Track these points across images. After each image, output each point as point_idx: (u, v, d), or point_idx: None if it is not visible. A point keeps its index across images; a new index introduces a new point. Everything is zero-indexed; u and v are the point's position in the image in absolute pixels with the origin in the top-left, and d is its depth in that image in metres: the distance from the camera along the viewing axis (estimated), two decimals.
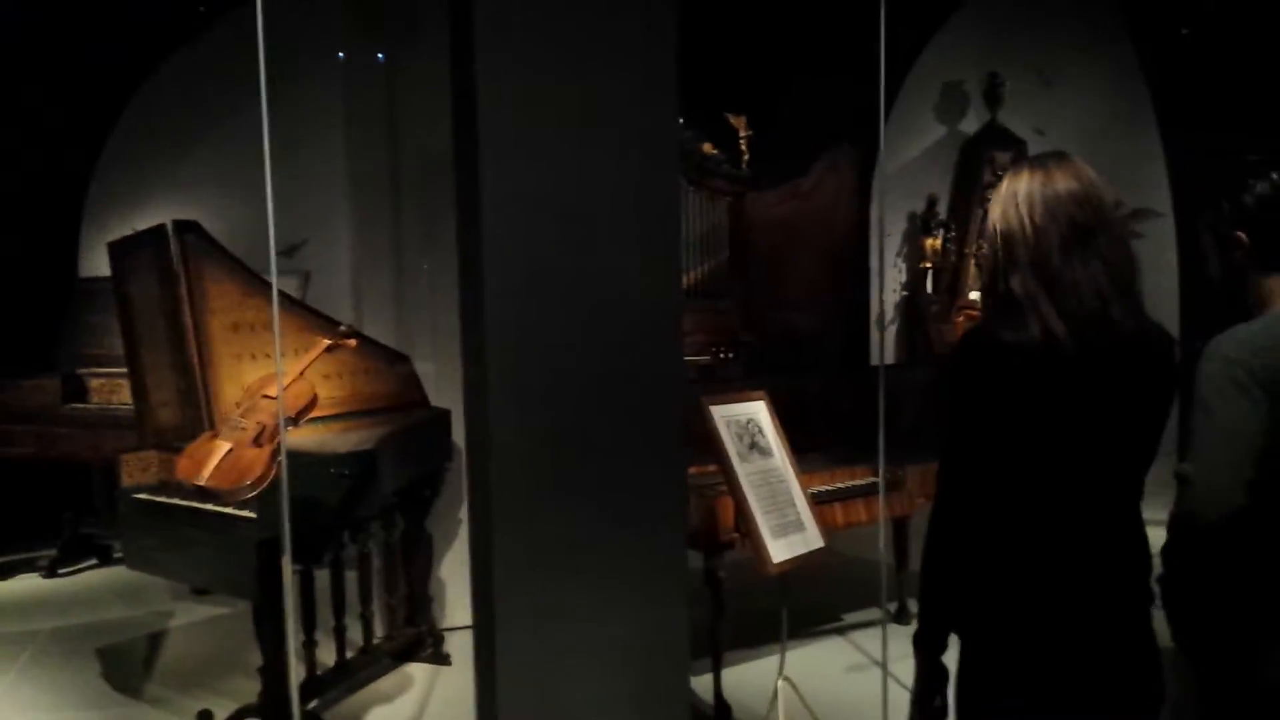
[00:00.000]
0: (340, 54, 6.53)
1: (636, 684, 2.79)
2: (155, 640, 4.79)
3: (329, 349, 3.35)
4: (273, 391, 3.04)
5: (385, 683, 4.21)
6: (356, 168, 5.61)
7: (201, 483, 2.69)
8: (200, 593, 5.40)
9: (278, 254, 4.13)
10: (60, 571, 5.84)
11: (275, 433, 2.90)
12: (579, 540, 2.65)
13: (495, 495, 2.56)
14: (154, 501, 3.55)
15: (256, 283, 4.05)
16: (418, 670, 4.32)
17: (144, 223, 6.98)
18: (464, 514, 4.66)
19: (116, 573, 5.87)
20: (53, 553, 5.91)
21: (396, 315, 4.78)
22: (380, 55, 5.57)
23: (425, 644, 4.41)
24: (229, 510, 3.29)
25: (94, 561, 6.03)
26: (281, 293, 4.16)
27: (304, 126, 5.87)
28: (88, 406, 5.64)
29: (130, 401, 5.51)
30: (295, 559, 3.35)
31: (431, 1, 4.66)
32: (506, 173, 2.59)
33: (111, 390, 5.66)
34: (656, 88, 2.72)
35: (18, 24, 6.14)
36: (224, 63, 6.55)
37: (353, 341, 3.39)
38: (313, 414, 4.11)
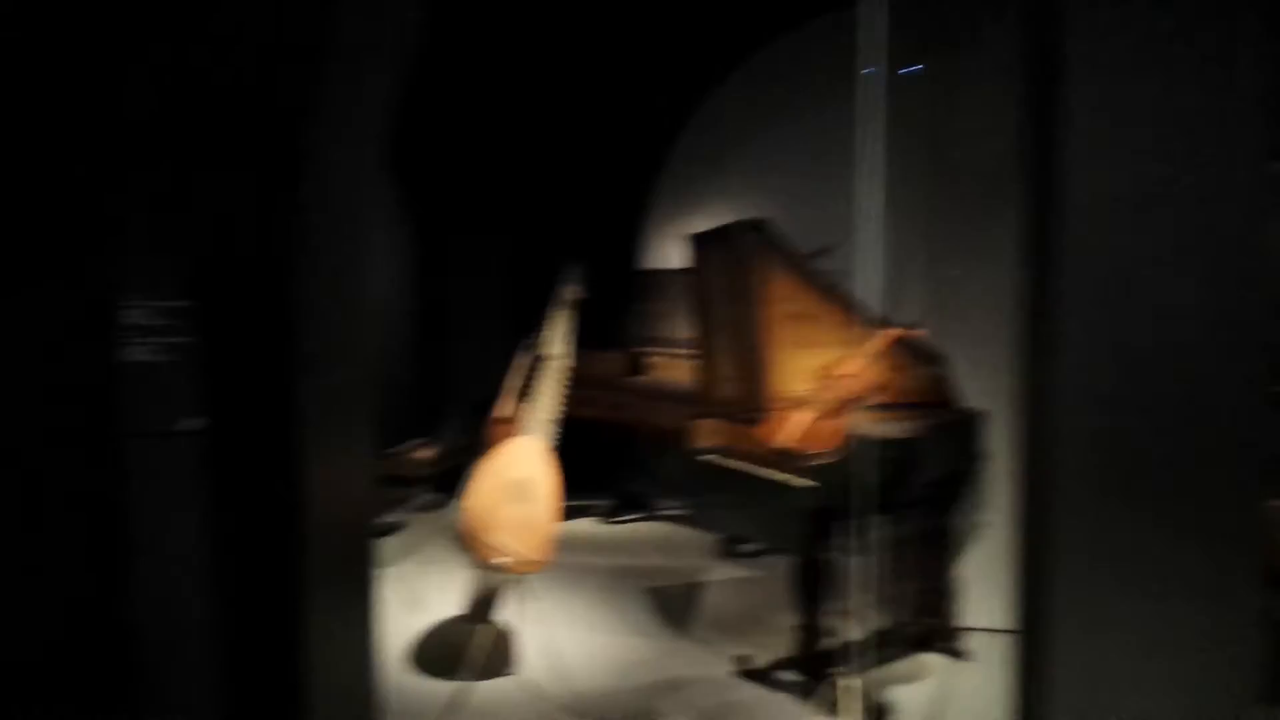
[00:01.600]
0: (868, 68, 6.86)
1: (1188, 713, 2.69)
2: (692, 590, 5.40)
3: (898, 340, 3.59)
4: (849, 372, 3.34)
5: (900, 667, 4.39)
6: (895, 174, 5.85)
7: (786, 444, 3.05)
8: (732, 555, 5.99)
9: (814, 254, 4.53)
10: (613, 520, 6.76)
11: (849, 409, 3.19)
12: (1144, 552, 2.62)
13: (1059, 498, 2.61)
14: (719, 465, 4.05)
15: (812, 277, 4.41)
16: (932, 661, 4.45)
17: (700, 223, 7.89)
18: (990, 516, 4.71)
19: (657, 527, 6.68)
20: (608, 503, 6.86)
21: (926, 316, 4.91)
22: (920, 66, 5.74)
23: (943, 636, 4.52)
24: (788, 478, 3.66)
25: (640, 514, 6.89)
26: (835, 287, 4.54)
27: (849, 134, 6.20)
28: (647, 380, 6.46)
29: (682, 378, 6.34)
30: (839, 531, 3.66)
31: (982, 16, 4.75)
32: (1091, 177, 2.62)
33: (666, 368, 6.42)
34: (1245, 97, 2.60)
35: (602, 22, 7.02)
36: (787, 73, 7.14)
37: (921, 333, 3.59)
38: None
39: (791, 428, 3.09)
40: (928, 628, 4.53)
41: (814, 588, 3.94)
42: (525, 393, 6.79)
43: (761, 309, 4.27)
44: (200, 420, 2.78)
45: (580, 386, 6.82)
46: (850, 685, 3.35)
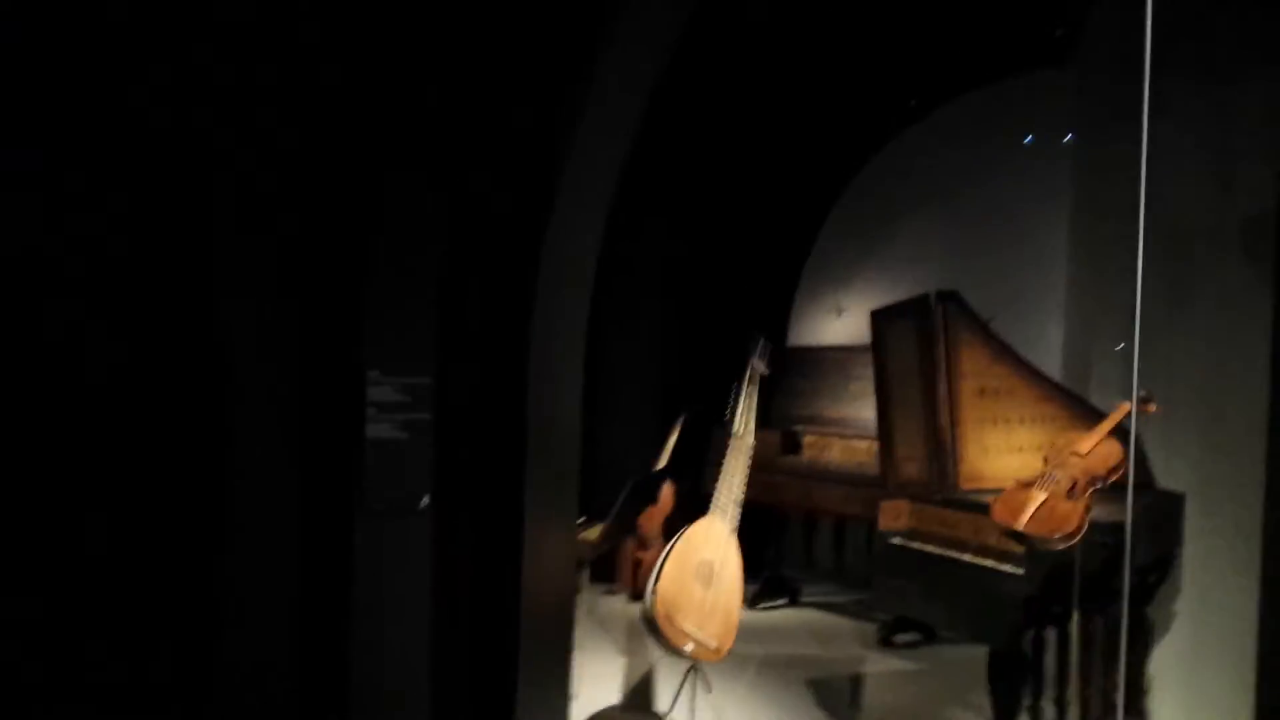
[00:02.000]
0: (1029, 138, 6.69)
1: None
2: (853, 682, 5.10)
3: (1128, 414, 3.34)
4: (1082, 449, 3.11)
5: None
6: (1076, 247, 5.62)
7: (1019, 527, 2.84)
8: (889, 645, 5.68)
9: (988, 320, 4.32)
10: (759, 606, 6.51)
11: (1086, 488, 2.96)
12: None
13: None
14: (908, 547, 3.82)
15: (1002, 351, 4.21)
16: None
17: (852, 301, 7.76)
18: (1177, 606, 4.35)
19: (804, 614, 6.40)
20: (754, 587, 6.61)
21: (1100, 390, 4.63)
22: (1071, 135, 5.59)
23: None
24: (991, 564, 3.42)
25: (785, 600, 6.62)
26: (1027, 362, 4.32)
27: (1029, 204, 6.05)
28: (799, 460, 6.26)
29: (837, 459, 6.12)
30: (1044, 622, 3.39)
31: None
32: None
33: (822, 448, 6.22)
34: None
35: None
36: (943, 147, 7.01)
37: (1152, 407, 3.35)
38: None
39: (1017, 509, 2.87)
40: None
41: (1016, 682, 3.65)
42: (708, 471, 6.74)
43: (953, 384, 4.08)
44: (429, 496, 2.72)
45: None
46: None
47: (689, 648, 3.49)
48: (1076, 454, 3.07)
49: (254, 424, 2.66)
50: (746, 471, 3.86)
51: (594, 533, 5.88)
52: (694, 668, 3.63)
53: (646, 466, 6.72)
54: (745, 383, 4.02)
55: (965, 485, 4.03)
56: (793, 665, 5.30)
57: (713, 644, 3.54)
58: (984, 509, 3.71)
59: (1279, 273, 3.85)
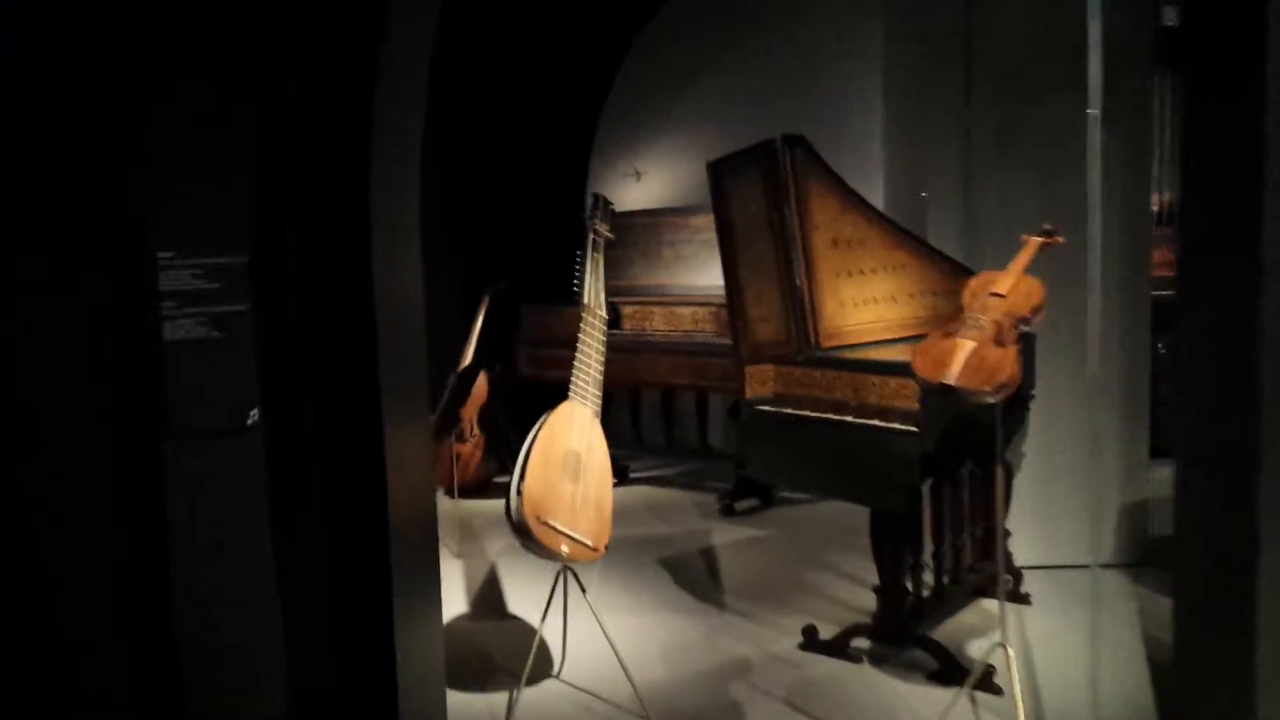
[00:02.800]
0: None
1: None
2: (707, 555, 4.92)
3: (1042, 248, 3.14)
4: (999, 289, 2.88)
5: (965, 616, 4.02)
6: (891, 88, 5.43)
7: (950, 381, 2.58)
8: (730, 513, 5.54)
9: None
10: None
11: (1013, 332, 2.73)
12: None
13: None
14: (780, 414, 3.56)
15: (853, 198, 3.96)
16: (991, 607, 4.11)
17: (649, 164, 7.36)
18: (1025, 449, 4.39)
19: (638, 491, 6.17)
20: None
21: (937, 236, 4.51)
22: None
23: (1000, 581, 4.17)
24: (878, 422, 3.21)
25: (614, 481, 6.35)
26: (875, 210, 4.09)
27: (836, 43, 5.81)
28: (620, 333, 5.91)
29: (660, 327, 5.82)
30: (934, 478, 3.23)
31: None
32: None
33: (642, 318, 5.89)
34: None
35: None
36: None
37: (1060, 239, 3.15)
38: (898, 335, 4.01)
39: (941, 360, 2.61)
40: (987, 574, 4.17)
41: (902, 543, 3.52)
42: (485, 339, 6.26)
43: (806, 236, 3.79)
44: (258, 409, 2.14)
45: (545, 346, 6.29)
46: (1000, 652, 2.94)
47: (565, 550, 3.11)
48: (996, 295, 2.84)
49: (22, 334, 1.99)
50: (603, 349, 3.45)
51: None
52: (565, 570, 3.26)
53: (456, 354, 6.20)
54: (589, 249, 3.57)
55: (826, 343, 3.80)
56: (640, 547, 5.05)
57: (589, 541, 3.18)
58: (858, 367, 3.50)
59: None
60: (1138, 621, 3.90)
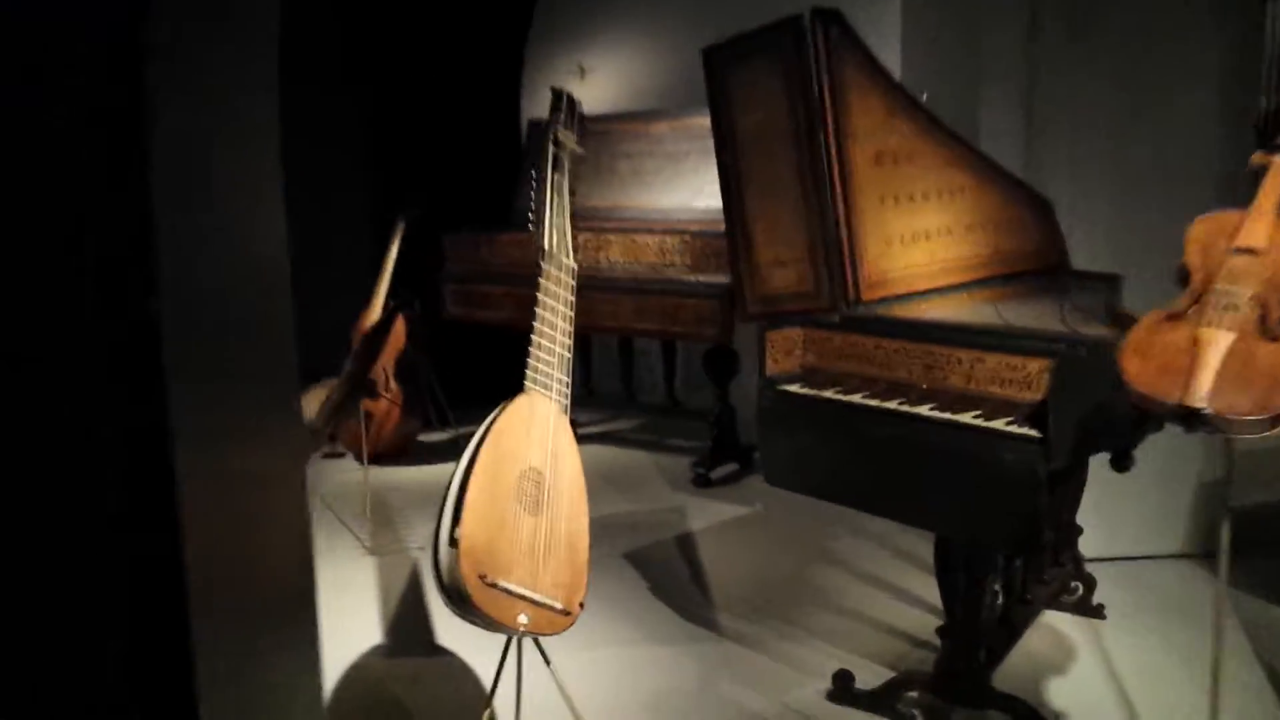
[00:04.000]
0: None
1: None
2: (684, 545, 3.96)
3: None
4: (1250, 241, 1.86)
5: (1032, 639, 3.15)
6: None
7: (1200, 404, 1.59)
8: (704, 482, 4.58)
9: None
10: None
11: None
12: None
13: None
14: (817, 399, 2.57)
15: (902, 97, 2.93)
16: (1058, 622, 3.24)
17: (593, 56, 6.17)
18: None
19: (593, 454, 5.16)
20: None
21: (1025, 143, 3.53)
22: None
23: (1071, 589, 3.29)
24: (974, 420, 2.23)
25: None
26: (924, 109, 3.06)
27: None
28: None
29: (621, 258, 4.75)
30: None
31: None
32: None
33: (596, 248, 4.82)
34: None
35: None
36: None
37: None
38: (955, 281, 3.04)
39: (1176, 366, 1.61)
40: (1060, 580, 3.29)
41: (981, 570, 2.57)
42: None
43: (843, 148, 2.76)
44: None
45: (475, 281, 5.19)
46: None
47: (524, 620, 2.10)
48: (1246, 251, 1.84)
49: None
50: (571, 313, 2.40)
51: (311, 402, 4.25)
52: (520, 638, 2.24)
53: (364, 294, 5.08)
54: (547, 169, 2.49)
55: (868, 295, 2.81)
56: (600, 535, 4.04)
57: (558, 603, 2.17)
58: (937, 334, 2.51)
59: None
60: (1244, 637, 3.05)
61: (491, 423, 2.17)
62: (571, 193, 2.52)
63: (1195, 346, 1.67)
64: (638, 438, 5.35)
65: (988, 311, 2.88)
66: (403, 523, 4.26)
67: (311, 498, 4.54)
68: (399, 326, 5.02)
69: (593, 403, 5.57)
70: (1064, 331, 2.39)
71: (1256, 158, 2.05)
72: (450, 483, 2.11)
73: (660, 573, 3.71)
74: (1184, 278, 1.95)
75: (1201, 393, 1.61)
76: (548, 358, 2.29)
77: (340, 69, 5.59)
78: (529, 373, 2.26)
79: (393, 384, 4.99)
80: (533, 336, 2.31)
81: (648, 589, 3.58)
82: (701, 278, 4.36)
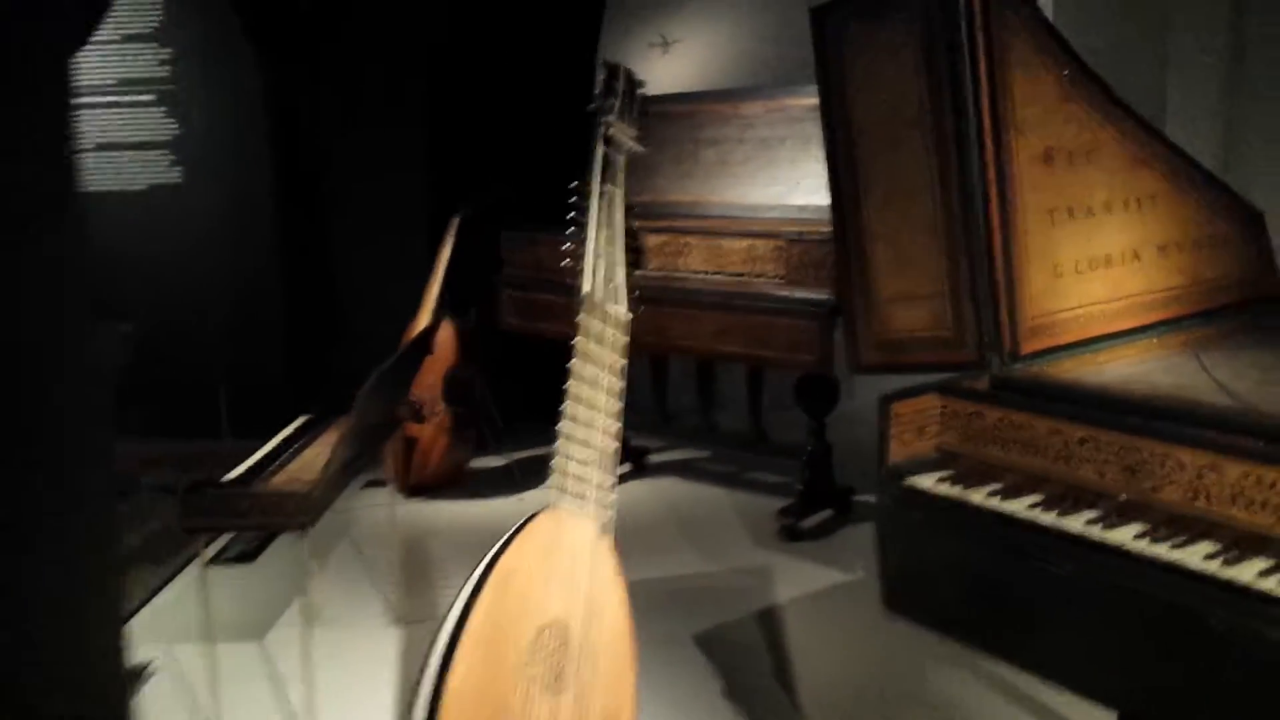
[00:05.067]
0: None
1: None
2: (772, 626, 3.25)
3: None
4: None
5: None
6: None
7: None
8: (796, 535, 3.86)
9: None
10: None
11: None
12: None
13: None
14: (961, 503, 1.83)
15: (1080, 72, 2.16)
16: None
17: (683, 26, 5.44)
18: None
19: (660, 490, 4.50)
20: None
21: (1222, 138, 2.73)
22: None
23: None
24: (1225, 573, 1.48)
25: (629, 467, 4.68)
26: (1104, 86, 2.28)
27: None
28: (645, 274, 4.14)
29: (708, 265, 4.02)
30: None
31: None
32: None
33: (674, 252, 4.11)
34: None
35: None
36: None
37: None
38: (1141, 322, 2.27)
39: None
40: None
41: None
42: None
43: (1003, 143, 2.03)
44: None
45: (538, 288, 4.54)
46: None
47: None
48: None
49: None
50: (620, 383, 1.71)
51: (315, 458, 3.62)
52: None
53: (412, 303, 4.47)
54: (594, 175, 1.80)
55: (1030, 344, 2.07)
56: (662, 607, 3.38)
57: None
58: (1129, 409, 1.76)
59: None
60: None
61: (496, 555, 1.49)
62: (628, 210, 1.82)
63: None
64: (717, 471, 4.64)
65: (1189, 370, 2.11)
66: (443, 579, 3.63)
67: (339, 541, 3.98)
68: (449, 338, 4.41)
69: (668, 430, 4.87)
70: None
71: None
72: (429, 651, 1.44)
73: (737, 664, 3.01)
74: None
75: None
76: (583, 454, 1.60)
77: (394, 47, 4.99)
78: (555, 477, 1.57)
79: (441, 405, 4.38)
80: (562, 423, 1.62)
81: (720, 691, 2.87)
82: (798, 292, 3.62)
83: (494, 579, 1.47)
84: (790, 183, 4.08)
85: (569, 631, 1.52)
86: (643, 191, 4.41)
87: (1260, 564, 1.49)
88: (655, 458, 4.75)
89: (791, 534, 3.88)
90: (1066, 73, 2.10)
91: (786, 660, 3.03)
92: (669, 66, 5.28)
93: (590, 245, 1.72)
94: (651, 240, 4.20)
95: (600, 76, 1.95)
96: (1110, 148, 2.20)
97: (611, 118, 1.83)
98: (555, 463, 1.58)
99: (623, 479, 4.55)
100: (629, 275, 1.74)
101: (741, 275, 3.86)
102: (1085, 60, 2.15)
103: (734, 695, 2.84)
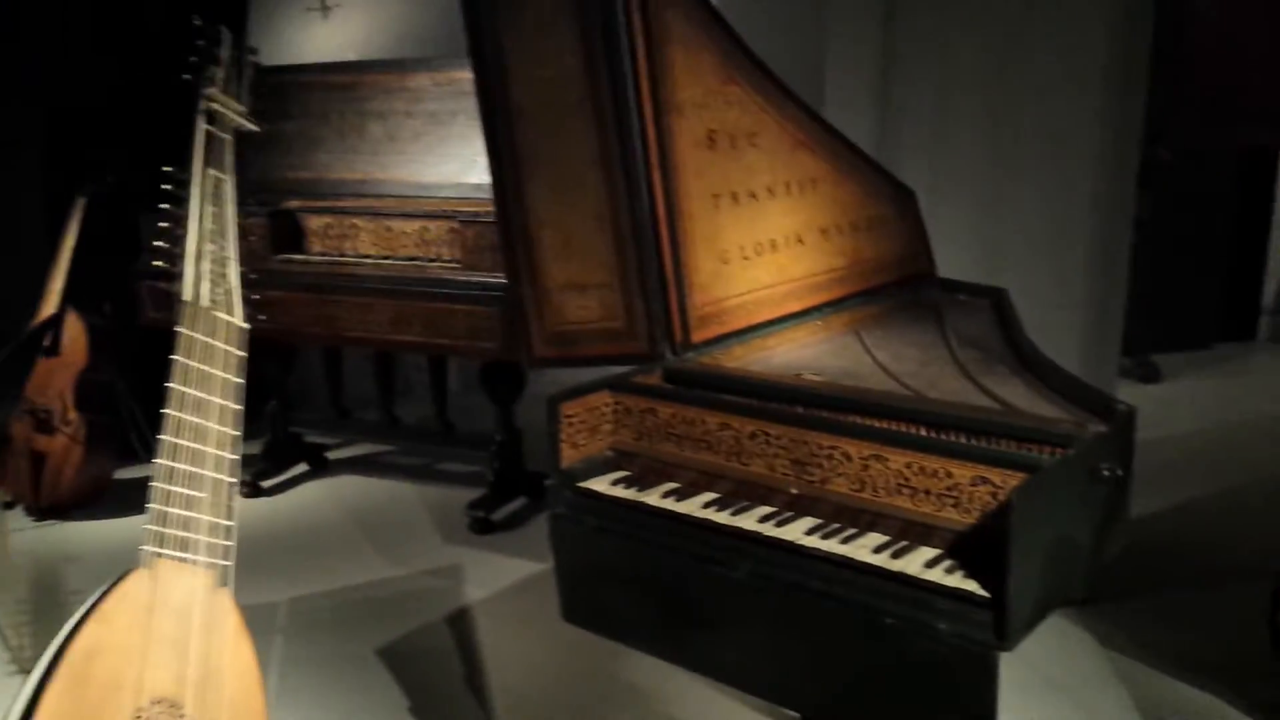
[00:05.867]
0: None
1: None
2: (464, 631, 3.07)
3: None
4: None
5: None
6: None
7: None
8: (487, 527, 3.70)
9: None
10: (265, 485, 4.15)
11: None
12: None
13: None
14: (636, 506, 1.73)
15: (738, 53, 2.11)
16: None
17: None
18: None
19: (337, 489, 4.18)
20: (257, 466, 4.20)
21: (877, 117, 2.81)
22: None
23: None
24: (891, 566, 1.45)
25: (305, 468, 4.33)
26: (765, 70, 2.24)
27: None
28: (308, 259, 3.80)
29: (370, 251, 3.74)
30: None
31: None
32: None
33: (340, 235, 3.80)
34: None
35: None
36: None
37: None
38: (807, 305, 2.28)
39: None
40: None
41: None
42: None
43: (664, 125, 1.94)
44: None
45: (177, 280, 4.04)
46: None
47: None
48: None
49: None
50: (238, 406, 1.44)
51: None
52: None
53: (34, 297, 3.87)
54: (196, 158, 1.51)
55: (700, 333, 2.00)
56: (347, 618, 3.14)
57: None
58: (796, 400, 1.72)
59: None
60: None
61: (70, 637, 1.20)
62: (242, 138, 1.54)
63: None
64: (402, 466, 4.38)
65: (855, 352, 2.14)
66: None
67: None
68: (77, 337, 3.85)
69: (346, 425, 4.54)
70: (1002, 415, 1.65)
71: None
72: None
73: (427, 675, 2.81)
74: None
75: None
76: (187, 496, 1.34)
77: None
78: (151, 529, 1.30)
79: (73, 414, 3.82)
80: (158, 461, 1.34)
81: (409, 709, 2.67)
82: (476, 276, 3.43)
83: (67, 667, 1.18)
84: (465, 160, 3.86)
85: (182, 707, 1.26)
86: (304, 169, 4.05)
87: (927, 553, 1.49)
88: (334, 455, 4.43)
89: (483, 526, 3.72)
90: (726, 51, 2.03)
91: (479, 664, 2.86)
92: (330, 33, 4.89)
93: (190, 243, 1.44)
94: (314, 222, 3.86)
95: (198, 41, 1.65)
96: (772, 131, 2.17)
97: (213, 90, 1.55)
98: (151, 510, 1.30)
99: (299, 480, 4.22)
100: (244, 277, 1.47)
101: (415, 260, 3.62)
102: (746, 42, 2.10)
103: (424, 711, 2.64)
